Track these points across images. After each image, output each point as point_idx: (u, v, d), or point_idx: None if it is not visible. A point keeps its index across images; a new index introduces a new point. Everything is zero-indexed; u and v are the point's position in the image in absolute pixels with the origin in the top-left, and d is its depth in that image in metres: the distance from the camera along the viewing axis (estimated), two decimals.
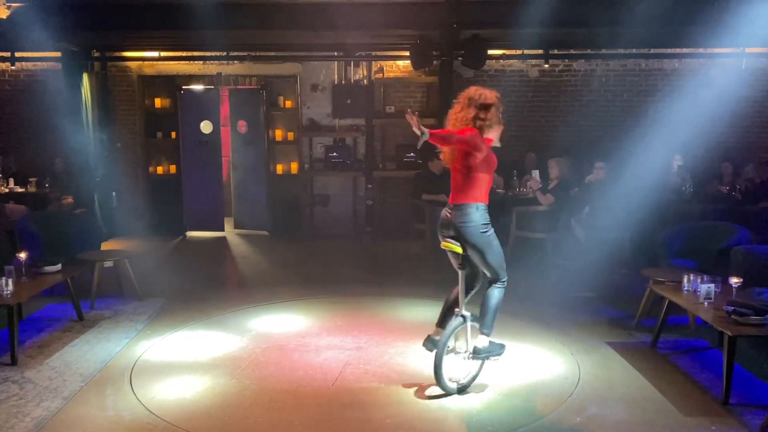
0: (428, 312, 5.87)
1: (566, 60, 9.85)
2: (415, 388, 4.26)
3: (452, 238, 4.07)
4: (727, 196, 8.32)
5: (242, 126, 10.09)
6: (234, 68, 9.87)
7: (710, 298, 4.46)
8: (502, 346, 4.22)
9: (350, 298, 6.40)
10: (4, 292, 4.71)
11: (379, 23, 7.83)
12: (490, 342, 4.15)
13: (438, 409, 3.97)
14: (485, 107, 4.06)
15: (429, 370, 4.53)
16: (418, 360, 4.76)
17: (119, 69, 9.96)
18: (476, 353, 4.11)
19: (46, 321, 5.67)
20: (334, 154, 9.86)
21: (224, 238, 9.96)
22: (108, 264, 6.37)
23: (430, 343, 4.23)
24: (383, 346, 5.05)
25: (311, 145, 10.01)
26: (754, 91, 9.58)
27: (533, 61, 9.80)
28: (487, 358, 4.17)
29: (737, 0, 6.86)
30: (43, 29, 7.40)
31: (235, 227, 10.25)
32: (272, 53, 9.67)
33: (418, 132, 3.66)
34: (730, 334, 3.95)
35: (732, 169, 8.92)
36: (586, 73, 9.91)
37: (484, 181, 4.05)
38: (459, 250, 4.04)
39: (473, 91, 4.12)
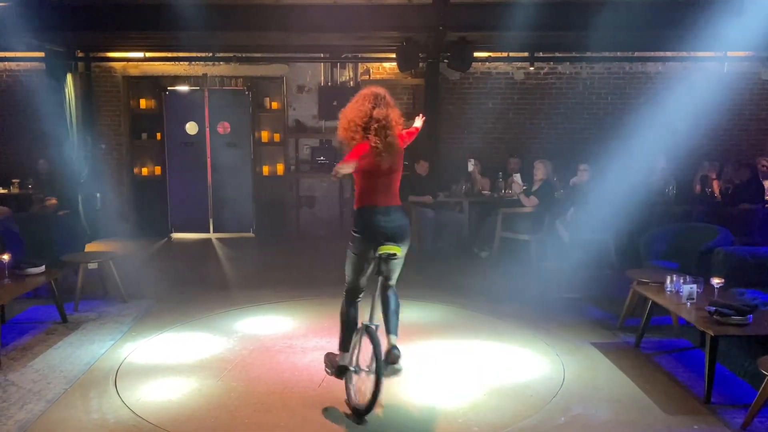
0: (414, 313, 5.89)
1: (551, 63, 9.92)
2: (401, 389, 4.27)
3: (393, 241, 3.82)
4: (709, 197, 8.43)
5: (225, 127, 10.05)
6: (220, 69, 9.84)
7: (693, 299, 4.51)
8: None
9: (336, 300, 6.32)
10: None
11: (366, 25, 7.84)
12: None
13: (424, 410, 3.99)
14: None
15: (414, 371, 4.56)
16: (403, 361, 4.77)
17: (104, 69, 9.89)
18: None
19: (29, 323, 5.62)
20: (321, 156, 9.85)
21: (209, 239, 9.92)
22: (92, 266, 6.32)
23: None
24: (369, 347, 5.04)
25: (297, 146, 10.00)
26: (736, 94, 9.72)
27: (519, 64, 9.87)
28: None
29: (719, 5, 6.96)
30: (27, 29, 7.34)
31: (214, 231, 10.19)
32: (258, 54, 9.65)
33: None
34: (712, 334, 4.00)
35: (720, 168, 9.06)
36: (571, 75, 10.00)
37: None
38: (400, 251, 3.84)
39: None
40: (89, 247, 7.91)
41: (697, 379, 4.38)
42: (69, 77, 9.29)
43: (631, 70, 9.97)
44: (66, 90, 9.22)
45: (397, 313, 3.95)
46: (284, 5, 7.62)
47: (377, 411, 3.90)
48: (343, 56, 9.67)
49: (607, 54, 9.61)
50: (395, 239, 3.82)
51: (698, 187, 8.73)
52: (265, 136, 10.12)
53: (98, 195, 9.61)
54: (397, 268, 3.93)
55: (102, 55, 9.81)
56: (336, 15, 7.65)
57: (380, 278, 3.89)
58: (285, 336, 5.33)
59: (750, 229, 7.38)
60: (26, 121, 9.57)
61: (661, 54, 9.72)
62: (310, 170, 9.93)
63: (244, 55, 9.60)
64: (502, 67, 9.93)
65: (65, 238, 6.79)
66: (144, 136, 10.13)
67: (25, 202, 8.84)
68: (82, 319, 5.74)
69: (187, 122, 10.04)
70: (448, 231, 8.39)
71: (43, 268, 5.49)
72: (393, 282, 3.97)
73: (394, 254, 3.78)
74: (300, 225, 10.08)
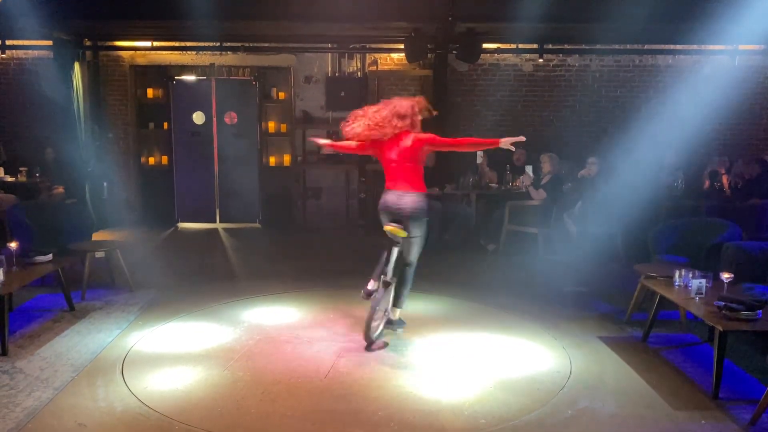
0: (421, 305, 5.89)
1: (560, 55, 9.86)
2: (408, 381, 4.27)
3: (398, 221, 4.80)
4: (718, 192, 8.37)
5: (232, 117, 10.04)
6: (227, 59, 9.82)
7: (701, 294, 4.48)
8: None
9: (343, 291, 6.39)
10: None
11: (374, 15, 7.82)
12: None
13: (430, 402, 3.98)
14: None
15: (421, 363, 4.56)
16: (410, 352, 4.78)
17: (111, 58, 9.89)
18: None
19: (36, 311, 5.65)
20: None
21: (216, 229, 9.93)
22: (99, 254, 6.34)
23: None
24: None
25: (304, 137, 9.98)
26: (746, 88, 9.64)
27: (527, 56, 9.81)
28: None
29: None
30: (35, 17, 7.35)
31: (221, 221, 10.20)
32: (266, 44, 9.62)
33: None
34: (720, 329, 3.97)
35: (729, 164, 8.99)
36: (580, 68, 9.93)
37: None
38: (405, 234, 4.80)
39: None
40: (96, 236, 7.91)
41: (704, 374, 4.36)
42: (76, 66, 9.29)
43: (641, 62, 9.90)
44: (73, 79, 9.22)
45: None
46: None
47: (382, 404, 3.89)
48: (351, 47, 9.64)
49: (617, 46, 9.54)
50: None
51: (707, 182, 8.67)
52: (272, 126, 10.10)
53: (105, 184, 9.63)
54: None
55: (110, 43, 9.80)
56: (345, 5, 7.63)
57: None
58: (291, 326, 5.34)
59: (760, 224, 7.34)
60: (33, 110, 9.58)
61: (671, 47, 9.64)
62: (317, 161, 9.92)
63: (251, 44, 9.58)
64: (510, 58, 9.87)
65: (72, 227, 6.79)
66: (151, 125, 10.13)
67: (33, 191, 8.85)
68: (89, 308, 5.76)
69: (194, 112, 10.03)
70: (456, 223, 8.37)
71: (50, 256, 5.49)
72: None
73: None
74: (306, 216, 10.07)
